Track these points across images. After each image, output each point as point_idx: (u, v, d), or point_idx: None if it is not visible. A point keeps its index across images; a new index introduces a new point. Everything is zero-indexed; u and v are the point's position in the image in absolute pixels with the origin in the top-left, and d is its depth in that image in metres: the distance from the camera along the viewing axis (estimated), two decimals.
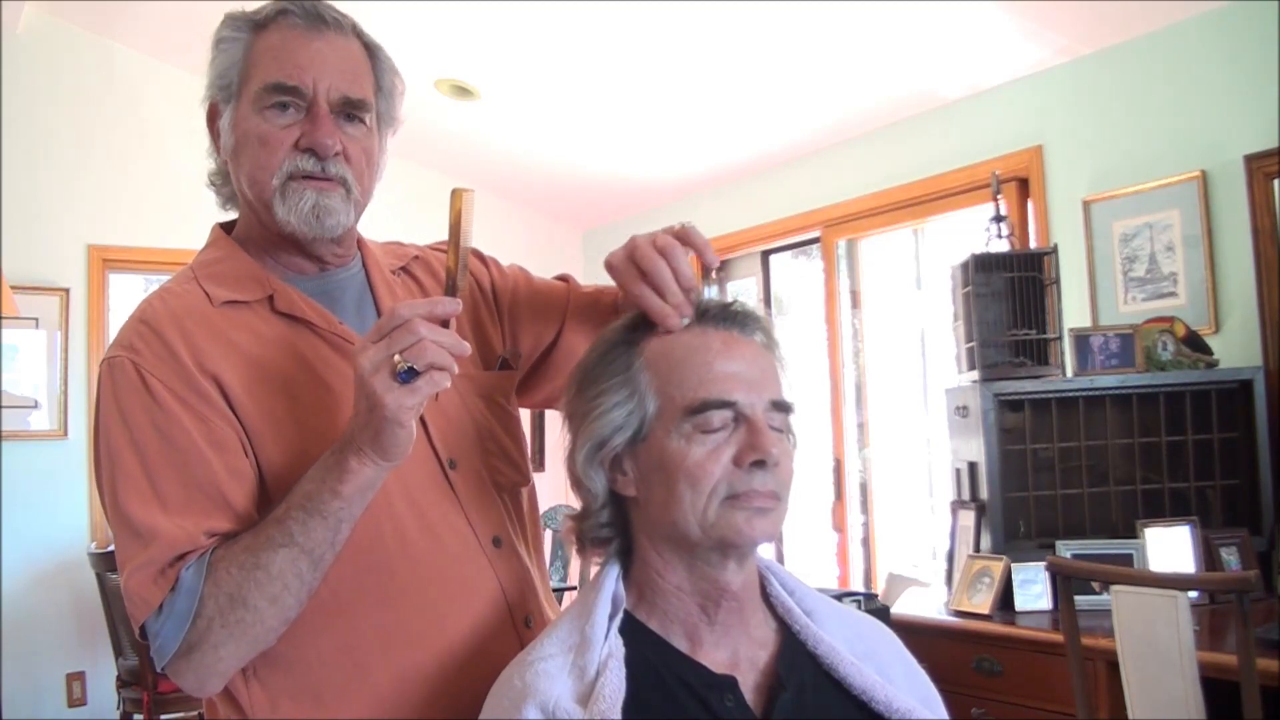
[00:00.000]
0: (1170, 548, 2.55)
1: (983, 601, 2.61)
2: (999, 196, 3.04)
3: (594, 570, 1.09)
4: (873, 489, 4.27)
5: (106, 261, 4.51)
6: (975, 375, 2.82)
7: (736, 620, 1.02)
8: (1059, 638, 2.26)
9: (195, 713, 3.78)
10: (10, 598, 4.16)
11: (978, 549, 2.76)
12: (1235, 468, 2.70)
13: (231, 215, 1.21)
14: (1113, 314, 3.15)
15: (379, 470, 0.99)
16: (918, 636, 2.07)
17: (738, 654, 1.02)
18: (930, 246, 4.25)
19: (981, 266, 2.84)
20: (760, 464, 0.97)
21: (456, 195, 1.04)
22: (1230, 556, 2.57)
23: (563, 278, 1.34)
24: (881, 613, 2.60)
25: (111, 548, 3.75)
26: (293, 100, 1.08)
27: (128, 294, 4.76)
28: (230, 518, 1.02)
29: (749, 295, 4.84)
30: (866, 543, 4.26)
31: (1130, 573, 2.28)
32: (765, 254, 4.80)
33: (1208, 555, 2.56)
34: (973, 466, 2.81)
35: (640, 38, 3.65)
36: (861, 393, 4.32)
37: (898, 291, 4.36)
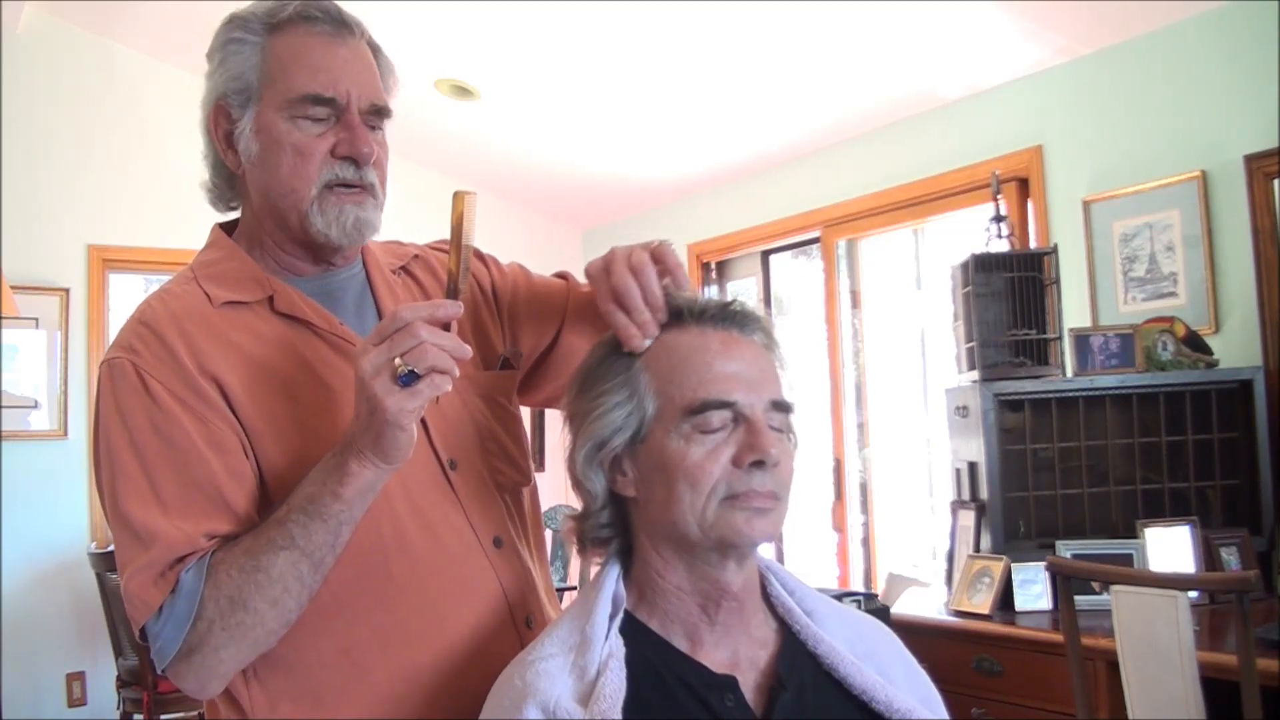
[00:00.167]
0: (1170, 548, 2.55)
1: (983, 601, 2.61)
2: (999, 196, 3.04)
3: (594, 570, 1.09)
4: (873, 489, 4.28)
5: (106, 261, 4.51)
6: (975, 375, 2.82)
7: (737, 620, 1.02)
8: (1059, 638, 2.26)
9: (195, 713, 3.78)
10: (10, 598, 4.16)
11: (978, 549, 2.76)
12: (1235, 468, 2.70)
13: (226, 216, 1.20)
14: (1113, 314, 3.15)
15: (380, 473, 0.99)
16: (918, 636, 2.07)
17: (738, 654, 1.02)
18: (930, 246, 4.25)
19: (981, 266, 2.84)
20: (760, 464, 0.97)
21: (458, 198, 1.04)
22: (1230, 556, 2.57)
23: (562, 275, 1.34)
24: (881, 613, 2.60)
25: (112, 548, 3.75)
26: (328, 110, 1.08)
27: (128, 294, 4.76)
28: (230, 519, 1.02)
29: (749, 295, 4.84)
30: (866, 543, 4.26)
31: (1130, 573, 2.28)
32: (765, 254, 4.80)
33: (1208, 555, 2.56)
34: (973, 466, 2.81)
35: (640, 38, 3.65)
36: (861, 393, 4.32)
37: (898, 291, 4.36)
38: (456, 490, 1.13)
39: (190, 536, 0.99)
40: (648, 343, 1.03)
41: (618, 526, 1.06)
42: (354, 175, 1.10)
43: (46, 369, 4.34)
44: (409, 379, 0.94)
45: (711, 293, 4.99)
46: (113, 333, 1.11)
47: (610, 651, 0.97)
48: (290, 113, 1.08)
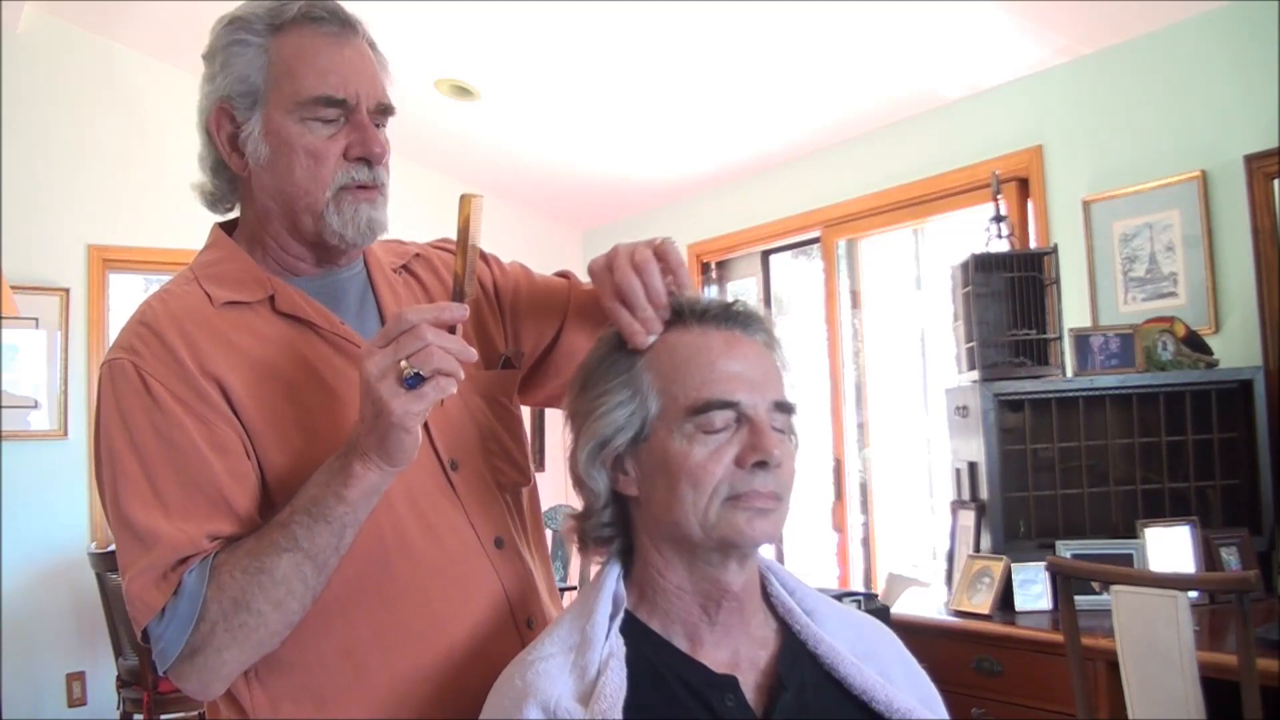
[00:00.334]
0: (1170, 548, 2.55)
1: (983, 601, 2.61)
2: (999, 196, 3.04)
3: (595, 569, 1.09)
4: (873, 489, 4.28)
5: (106, 261, 4.51)
6: (975, 375, 2.82)
7: (737, 620, 1.03)
8: (1059, 638, 2.26)
9: (195, 713, 3.78)
10: (10, 598, 4.16)
11: (978, 549, 2.76)
12: (1235, 468, 2.70)
13: (221, 216, 1.20)
14: (1113, 314, 3.15)
15: (384, 475, 0.99)
16: (918, 636, 2.07)
17: (738, 654, 1.02)
18: (930, 246, 4.25)
19: (981, 266, 2.84)
20: (762, 465, 0.97)
21: (465, 201, 1.04)
22: (1230, 556, 2.57)
23: (563, 274, 1.34)
24: (881, 613, 2.60)
25: (112, 548, 3.75)
26: (338, 111, 1.08)
27: (128, 294, 4.76)
28: (232, 521, 1.02)
29: (749, 295, 4.84)
30: (866, 543, 4.26)
31: (1130, 573, 2.28)
32: (765, 254, 4.80)
33: (1208, 555, 2.56)
34: (973, 466, 2.81)
35: (640, 38, 3.65)
36: (861, 393, 4.32)
37: (898, 291, 4.36)
38: (458, 490, 1.13)
39: (192, 538, 0.99)
40: (652, 339, 1.03)
41: (619, 526, 1.06)
42: (367, 176, 1.10)
43: (46, 369, 4.34)
44: (414, 381, 0.94)
45: (712, 293, 4.99)
46: (113, 333, 1.11)
47: (611, 651, 0.97)
48: (301, 115, 1.07)
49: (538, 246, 5.24)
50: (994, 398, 2.72)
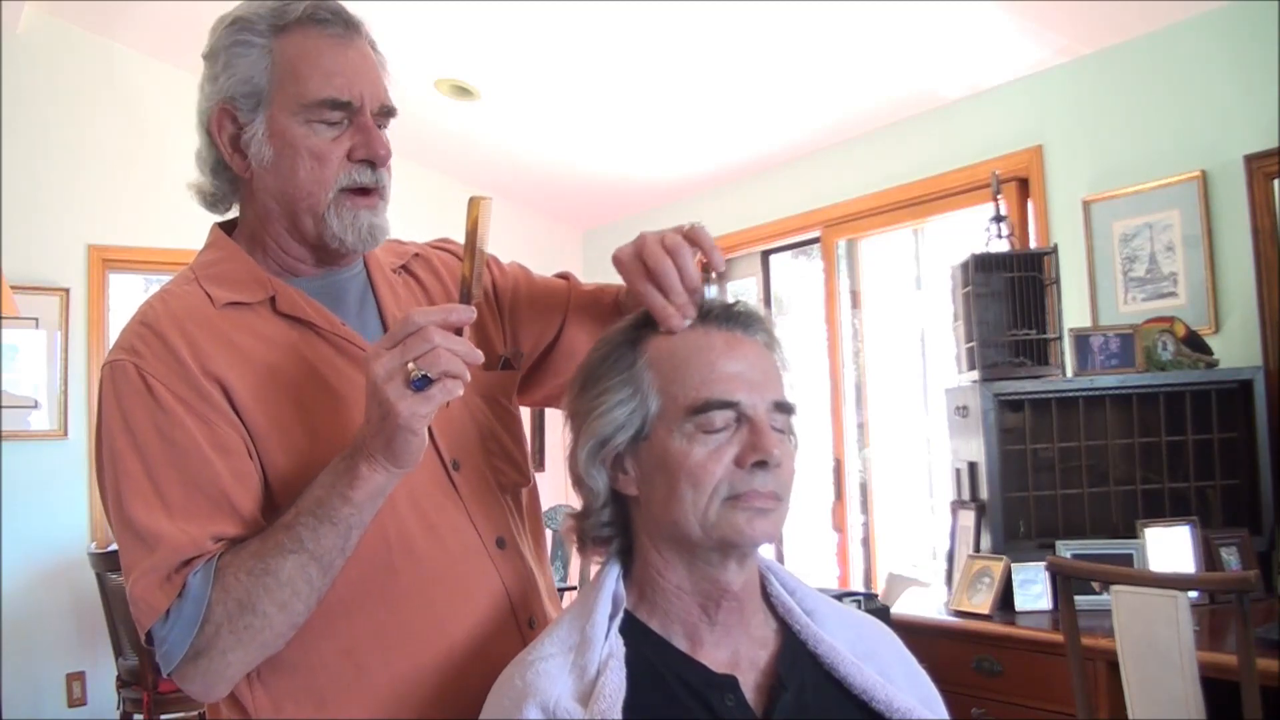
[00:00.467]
0: (1170, 548, 2.55)
1: (983, 601, 2.61)
2: (999, 196, 3.04)
3: (594, 569, 1.09)
4: (873, 489, 4.28)
5: (106, 261, 4.51)
6: (975, 375, 2.82)
7: (737, 620, 1.02)
8: (1059, 638, 2.26)
9: (195, 713, 3.78)
10: (10, 598, 4.16)
11: (978, 549, 2.76)
12: (1235, 468, 2.70)
13: (219, 216, 1.20)
14: (1113, 314, 3.15)
15: (390, 477, 0.99)
16: (918, 636, 2.07)
17: (738, 654, 1.02)
18: (930, 246, 4.25)
19: (981, 266, 2.84)
20: (762, 464, 0.97)
21: (474, 203, 1.04)
22: (1230, 556, 2.57)
23: (563, 275, 1.34)
24: (881, 613, 2.60)
25: (112, 547, 3.76)
26: (342, 113, 1.08)
27: (128, 294, 4.76)
28: (236, 522, 1.01)
29: (749, 295, 4.84)
30: (866, 543, 4.26)
31: (1130, 573, 2.28)
32: (765, 254, 4.80)
33: (1208, 555, 2.56)
34: (973, 466, 2.81)
35: (640, 38, 3.65)
36: (861, 393, 4.32)
37: (898, 291, 4.36)
38: (460, 491, 1.13)
39: (195, 539, 0.99)
40: (687, 323, 1.03)
41: (618, 526, 1.06)
42: (370, 178, 1.10)
43: (46, 369, 4.34)
44: (421, 384, 0.94)
45: (712, 293, 4.98)
46: (113, 333, 1.10)
47: (610, 651, 0.97)
48: (306, 117, 1.07)
49: (538, 246, 5.25)
50: (994, 398, 2.72)
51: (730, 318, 1.04)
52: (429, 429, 1.10)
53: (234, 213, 1.19)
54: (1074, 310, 3.19)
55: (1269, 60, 2.79)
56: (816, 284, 4.49)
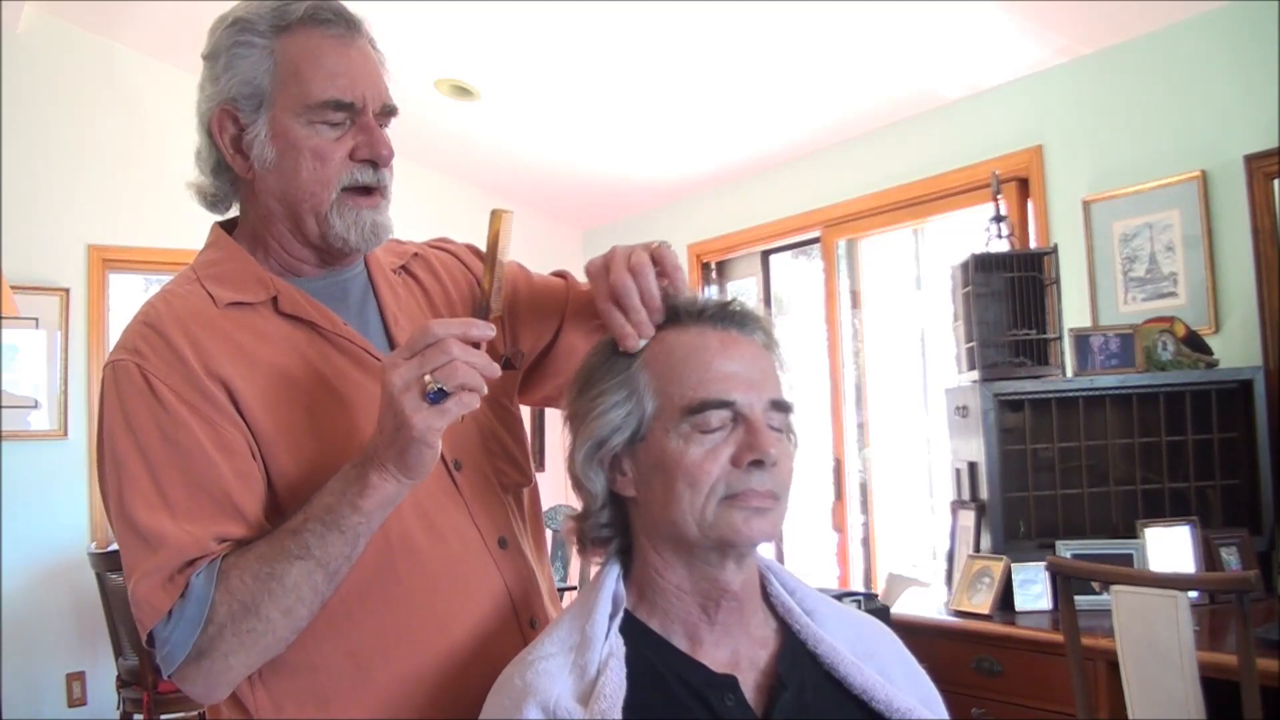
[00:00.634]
0: (1170, 548, 2.55)
1: (983, 601, 2.61)
2: (999, 196, 3.04)
3: (594, 570, 1.09)
4: (873, 489, 4.28)
5: (106, 261, 4.51)
6: (975, 375, 2.82)
7: (737, 620, 1.03)
8: (1059, 638, 2.26)
9: (195, 713, 3.78)
10: (10, 598, 4.16)
11: (978, 549, 2.76)
12: (1235, 468, 2.70)
13: (219, 216, 1.19)
14: (1113, 314, 3.15)
15: (401, 487, 0.99)
16: (918, 636, 2.08)
17: (738, 653, 1.02)
18: (930, 246, 4.25)
19: (981, 266, 2.84)
20: (759, 464, 0.97)
21: (496, 216, 1.05)
22: (1230, 556, 2.57)
23: (560, 274, 1.34)
24: (881, 613, 2.60)
25: (112, 547, 3.75)
26: (345, 114, 1.08)
27: (128, 294, 4.77)
28: (239, 522, 1.01)
29: (749, 295, 4.84)
30: (866, 543, 4.26)
31: (1130, 573, 2.28)
32: (765, 254, 4.80)
33: (1208, 555, 2.56)
34: (973, 466, 2.81)
35: (640, 38, 3.65)
36: (861, 393, 4.32)
37: (898, 291, 4.36)
38: (461, 491, 1.13)
39: (199, 540, 0.98)
40: (642, 343, 1.03)
41: (617, 526, 1.06)
42: (372, 178, 1.10)
43: (46, 369, 4.34)
44: (437, 396, 0.94)
45: (711, 293, 4.99)
46: (113, 333, 1.10)
47: (610, 651, 0.97)
48: (309, 118, 1.07)
49: (538, 246, 5.24)
50: (994, 398, 2.72)
51: (726, 317, 1.04)
52: None
53: (234, 212, 1.18)
54: (1074, 310, 3.19)
55: (1269, 60, 2.79)
56: (816, 284, 4.49)
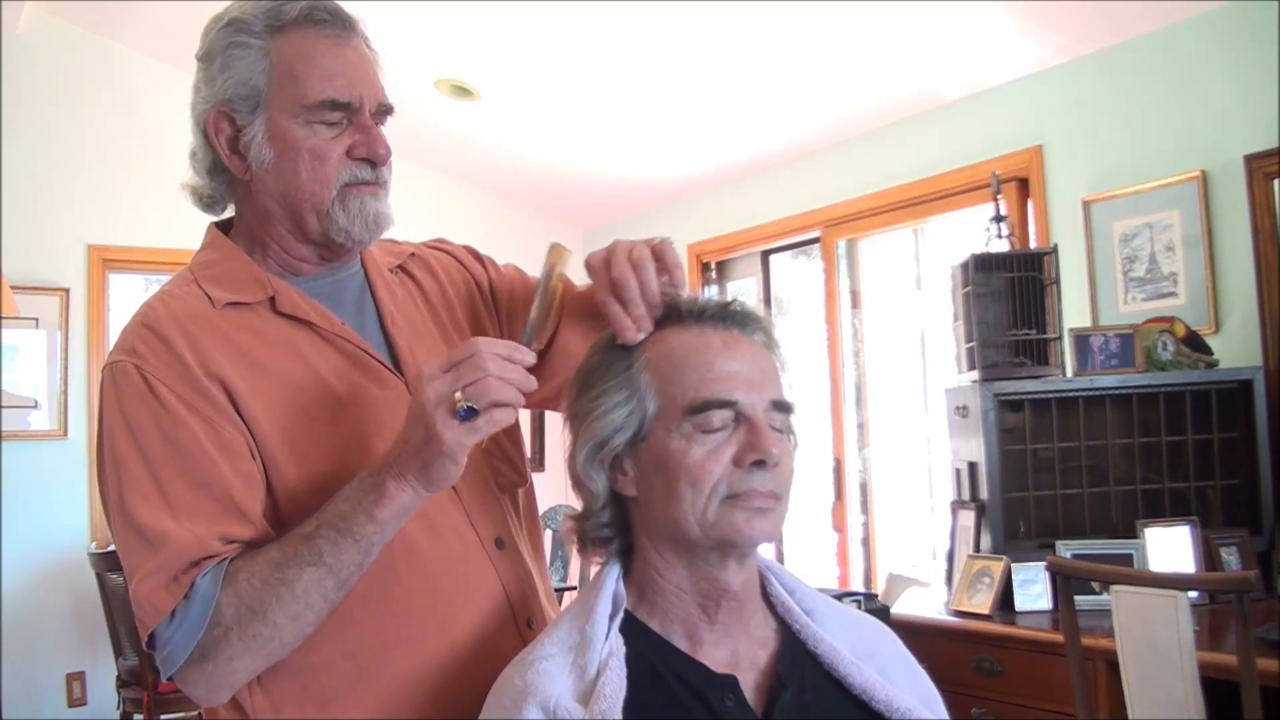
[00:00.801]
0: (1170, 548, 2.55)
1: (983, 601, 2.61)
2: (999, 196, 3.04)
3: (594, 570, 1.09)
4: (873, 489, 4.28)
5: (106, 261, 4.51)
6: (975, 375, 2.82)
7: (737, 620, 1.03)
8: (1059, 638, 2.26)
9: (195, 713, 3.78)
10: (10, 598, 4.16)
11: (978, 549, 2.76)
12: (1235, 468, 2.70)
13: (215, 217, 1.19)
14: (1113, 314, 3.15)
15: (417, 498, 0.99)
16: (918, 636, 2.07)
17: (738, 653, 1.02)
18: (930, 246, 4.25)
19: (981, 266, 2.84)
20: (760, 464, 0.97)
21: (555, 250, 1.08)
22: (1230, 556, 2.57)
23: None
24: (881, 613, 2.60)
25: (112, 548, 3.75)
26: (342, 114, 1.08)
27: (128, 294, 4.76)
28: (243, 523, 1.01)
29: (749, 295, 4.84)
30: (866, 543, 4.26)
31: (1130, 573, 2.28)
32: (765, 254, 4.80)
33: (1208, 555, 2.56)
34: (973, 466, 2.81)
35: (640, 38, 3.65)
36: (861, 393, 4.32)
37: (898, 291, 4.36)
38: (459, 491, 1.13)
39: (202, 539, 0.98)
40: (641, 336, 1.03)
41: (618, 526, 1.06)
42: (370, 175, 1.11)
43: (46, 369, 4.34)
44: (468, 414, 0.94)
45: (711, 293, 4.99)
46: (113, 333, 1.10)
47: (610, 651, 0.97)
48: (306, 118, 1.07)
49: (538, 246, 5.23)
50: (994, 398, 2.72)
51: (727, 317, 1.04)
52: None
53: (229, 212, 1.18)
54: (1074, 310, 3.19)
55: (1269, 60, 2.79)
56: (816, 284, 4.49)
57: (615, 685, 0.94)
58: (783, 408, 1.02)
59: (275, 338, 1.09)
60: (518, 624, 1.13)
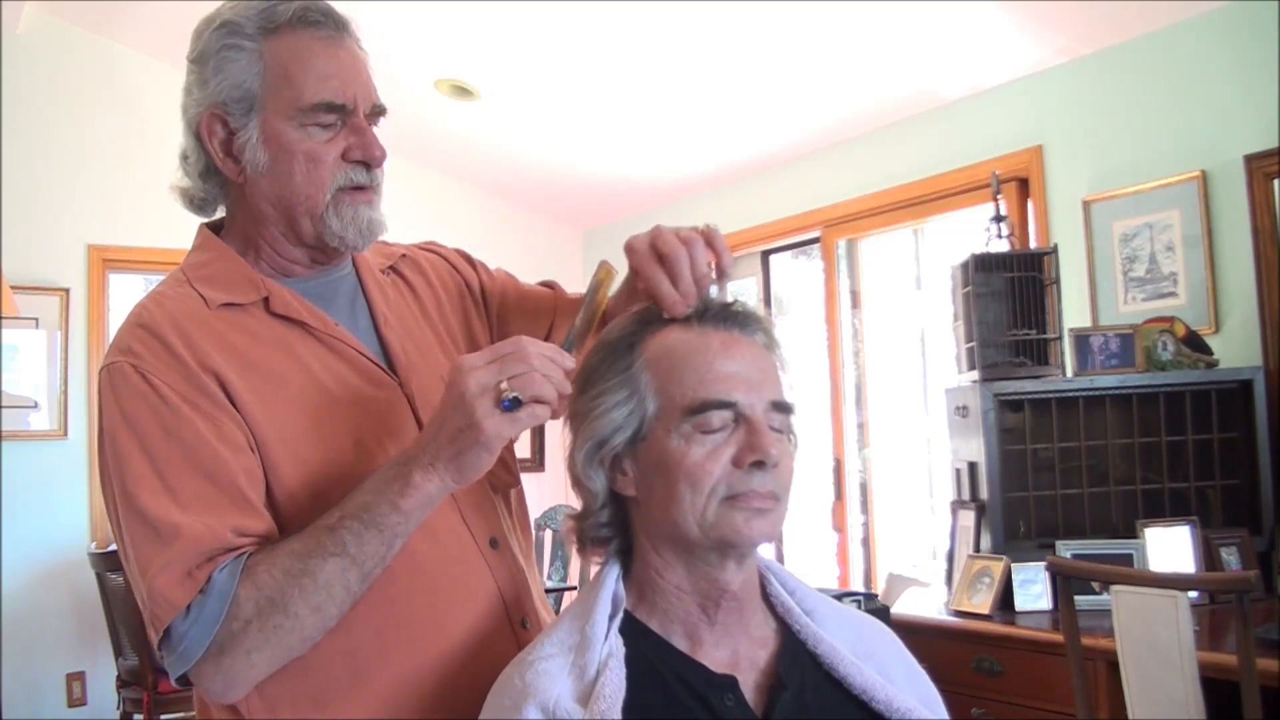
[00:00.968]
0: (1170, 548, 2.55)
1: (983, 601, 2.61)
2: (999, 196, 3.04)
3: (594, 570, 1.09)
4: (873, 489, 4.28)
5: (106, 261, 4.51)
6: (975, 375, 2.82)
7: (736, 620, 1.02)
8: (1059, 638, 2.26)
9: (196, 714, 3.78)
10: (10, 598, 4.16)
11: (978, 549, 2.76)
12: (1235, 468, 2.70)
13: (207, 218, 1.19)
14: (1113, 314, 3.15)
15: (443, 488, 0.99)
16: (918, 636, 2.07)
17: (738, 653, 1.02)
18: (930, 246, 4.25)
19: (981, 266, 2.84)
20: (760, 464, 0.97)
21: (603, 268, 1.09)
22: (1230, 556, 2.57)
23: (548, 284, 1.35)
24: (881, 613, 2.60)
25: (112, 548, 3.75)
26: (337, 116, 1.08)
27: (128, 294, 4.76)
28: (254, 515, 1.00)
29: (749, 295, 4.84)
30: (866, 543, 4.26)
31: (1130, 573, 2.28)
32: (765, 254, 4.80)
33: (1208, 555, 2.56)
34: (973, 466, 2.81)
35: (640, 38, 3.65)
36: (861, 393, 4.32)
37: (898, 291, 4.36)
38: (454, 492, 1.13)
39: (216, 531, 0.97)
40: (688, 311, 1.04)
41: (617, 526, 1.06)
42: (365, 178, 1.10)
43: (46, 369, 4.34)
44: (511, 405, 0.95)
45: (711, 293, 4.98)
46: (113, 333, 1.09)
47: (610, 651, 0.97)
48: (301, 120, 1.07)
49: (538, 246, 5.25)
50: (994, 398, 2.72)
51: (728, 317, 1.04)
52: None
53: (220, 213, 1.18)
54: (1074, 310, 3.19)
55: (1269, 60, 2.79)
56: (816, 284, 4.49)
57: (615, 686, 0.94)
58: (782, 408, 1.02)
59: (269, 338, 1.09)
60: (512, 624, 1.13)
